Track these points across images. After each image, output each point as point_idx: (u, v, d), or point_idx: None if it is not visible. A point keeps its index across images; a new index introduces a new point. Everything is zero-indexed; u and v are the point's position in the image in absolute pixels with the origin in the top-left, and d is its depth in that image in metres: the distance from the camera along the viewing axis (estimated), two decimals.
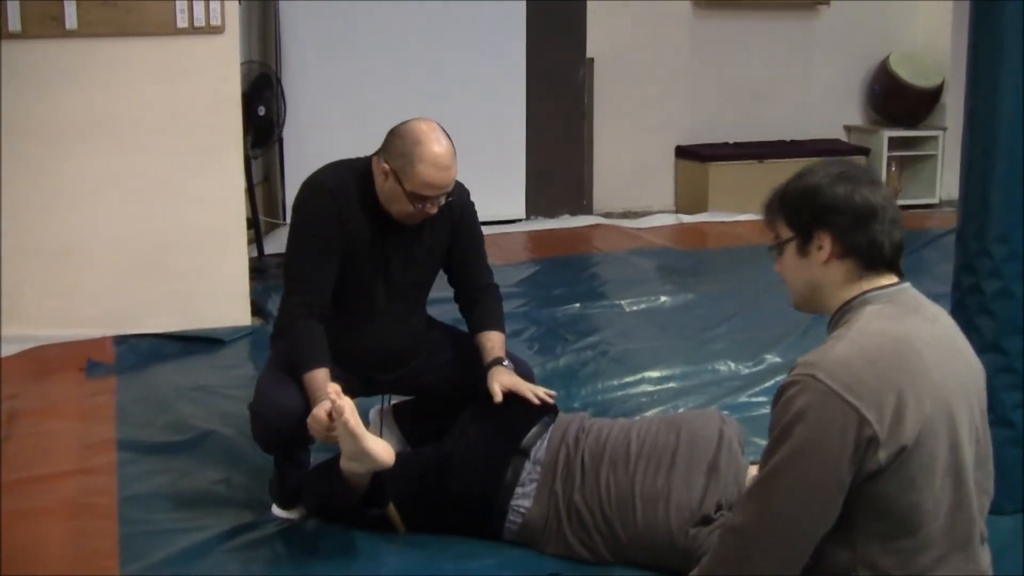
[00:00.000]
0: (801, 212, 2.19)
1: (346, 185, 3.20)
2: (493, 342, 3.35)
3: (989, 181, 3.16)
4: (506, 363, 3.28)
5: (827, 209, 2.15)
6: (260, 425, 3.17)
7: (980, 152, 3.19)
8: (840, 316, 2.16)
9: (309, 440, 3.17)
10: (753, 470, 3.06)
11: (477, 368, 3.32)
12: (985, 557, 2.20)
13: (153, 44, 4.82)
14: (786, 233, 2.22)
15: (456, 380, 3.44)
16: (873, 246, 2.14)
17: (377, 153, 3.21)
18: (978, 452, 2.15)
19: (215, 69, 4.92)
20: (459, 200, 3.31)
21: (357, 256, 3.22)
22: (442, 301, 3.61)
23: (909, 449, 2.00)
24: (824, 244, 2.16)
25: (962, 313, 3.28)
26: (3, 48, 4.63)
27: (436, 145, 3.09)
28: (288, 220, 3.35)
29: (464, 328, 3.50)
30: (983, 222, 3.19)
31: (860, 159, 8.06)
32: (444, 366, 3.47)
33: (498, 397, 3.16)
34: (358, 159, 3.28)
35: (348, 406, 2.85)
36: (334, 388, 2.90)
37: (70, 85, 4.79)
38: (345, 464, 2.97)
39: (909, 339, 2.07)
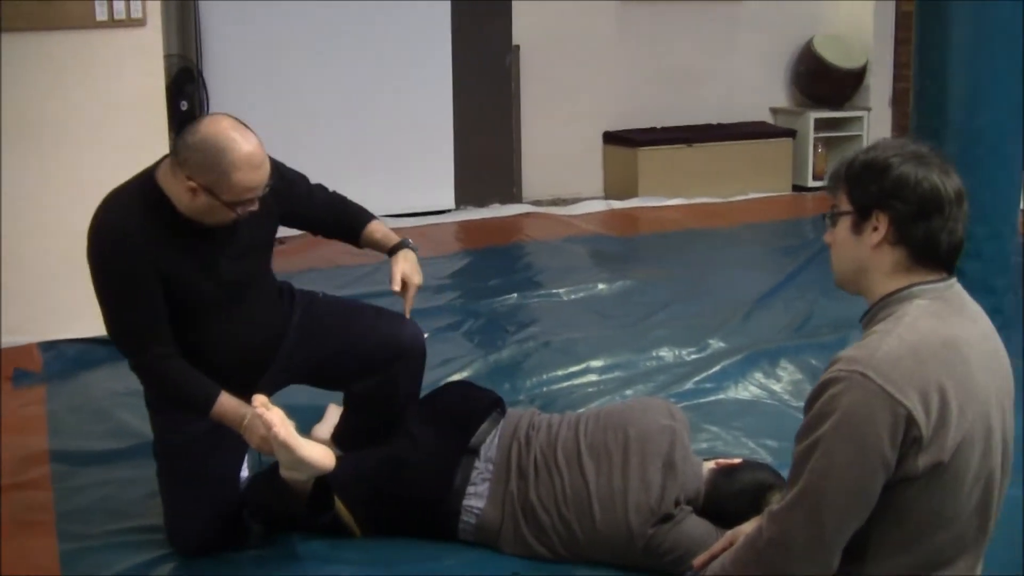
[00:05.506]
0: (864, 187, 2.05)
1: (136, 216, 2.87)
2: (380, 231, 3.34)
3: None
4: (411, 242, 3.29)
5: (892, 190, 2.02)
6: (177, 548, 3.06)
7: (929, 134, 3.19)
8: (883, 307, 2.05)
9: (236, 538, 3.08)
10: (708, 465, 3.04)
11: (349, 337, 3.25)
12: None
13: (73, 38, 4.64)
14: (844, 205, 2.09)
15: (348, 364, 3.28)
16: (929, 240, 2.02)
17: (171, 165, 2.86)
18: (1004, 452, 2.07)
19: (138, 63, 4.74)
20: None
21: (180, 278, 2.92)
22: None
23: (945, 460, 1.92)
24: (880, 226, 2.04)
25: None
26: None
27: (244, 144, 2.79)
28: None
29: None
30: None
31: (786, 141, 8.12)
32: (320, 350, 3.27)
33: (397, 286, 3.18)
34: (133, 180, 2.96)
35: (277, 417, 2.73)
36: (260, 400, 2.75)
37: None
38: (285, 474, 2.87)
39: (957, 342, 1.97)
